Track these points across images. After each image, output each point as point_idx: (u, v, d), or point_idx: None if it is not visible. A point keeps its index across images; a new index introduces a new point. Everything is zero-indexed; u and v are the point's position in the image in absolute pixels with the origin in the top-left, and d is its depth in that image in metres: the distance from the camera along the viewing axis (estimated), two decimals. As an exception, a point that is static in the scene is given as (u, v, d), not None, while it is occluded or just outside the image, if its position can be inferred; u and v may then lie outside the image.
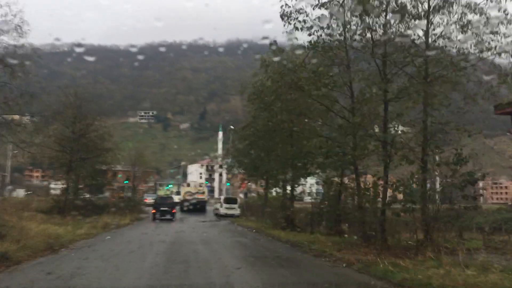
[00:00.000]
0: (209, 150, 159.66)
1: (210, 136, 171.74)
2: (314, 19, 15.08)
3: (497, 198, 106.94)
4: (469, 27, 13.66)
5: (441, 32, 14.19)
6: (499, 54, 13.19)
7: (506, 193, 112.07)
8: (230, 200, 41.60)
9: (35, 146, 28.16)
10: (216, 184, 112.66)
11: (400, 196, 14.52)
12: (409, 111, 14.34)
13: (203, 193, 51.75)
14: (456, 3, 13.90)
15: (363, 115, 14.95)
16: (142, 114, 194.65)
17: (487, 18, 13.33)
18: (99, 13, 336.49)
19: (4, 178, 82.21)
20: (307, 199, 66.98)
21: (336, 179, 26.19)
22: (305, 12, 15.18)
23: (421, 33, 14.32)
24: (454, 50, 14.29)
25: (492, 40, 13.23)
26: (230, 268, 10.69)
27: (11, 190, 73.12)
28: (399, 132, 14.81)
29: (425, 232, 13.70)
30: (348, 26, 15.10)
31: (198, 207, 46.40)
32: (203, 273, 9.93)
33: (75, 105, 30.11)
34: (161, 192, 71.62)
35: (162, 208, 35.02)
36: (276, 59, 17.16)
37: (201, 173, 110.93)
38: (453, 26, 14.01)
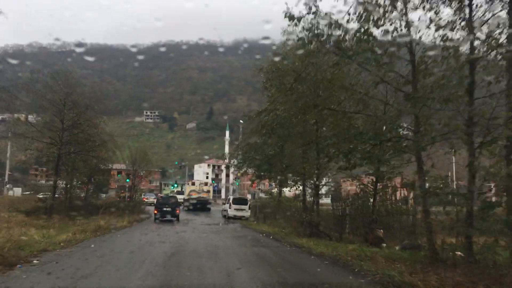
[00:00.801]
0: (216, 150, 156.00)
1: (217, 136, 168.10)
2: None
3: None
4: None
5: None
6: None
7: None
8: (239, 201, 37.17)
9: (18, 136, 24.10)
10: (222, 184, 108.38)
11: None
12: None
13: (208, 192, 49.14)
14: None
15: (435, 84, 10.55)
16: (148, 113, 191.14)
17: None
18: (99, 13, 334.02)
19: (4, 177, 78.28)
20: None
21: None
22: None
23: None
24: None
25: None
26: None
27: (8, 189, 69.34)
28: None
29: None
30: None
31: (202, 207, 44.38)
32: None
33: (63, 91, 25.88)
34: (166, 192, 67.65)
35: (164, 209, 31.98)
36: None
37: (207, 173, 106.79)
38: None
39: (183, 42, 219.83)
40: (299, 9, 14.22)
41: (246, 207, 36.72)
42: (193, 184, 51.32)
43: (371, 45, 11.51)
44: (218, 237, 20.41)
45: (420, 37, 11.31)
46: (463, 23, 10.31)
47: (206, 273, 10.11)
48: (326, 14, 11.93)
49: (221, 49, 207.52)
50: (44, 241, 16.74)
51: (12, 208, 28.71)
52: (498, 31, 9.66)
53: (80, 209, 29.82)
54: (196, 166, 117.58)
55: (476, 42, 10.19)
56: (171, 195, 43.51)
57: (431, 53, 10.74)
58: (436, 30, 10.58)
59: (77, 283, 8.64)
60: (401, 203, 22.80)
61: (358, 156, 12.65)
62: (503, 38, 9.61)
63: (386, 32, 11.53)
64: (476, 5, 10.31)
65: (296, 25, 12.03)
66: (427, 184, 11.76)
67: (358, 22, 11.17)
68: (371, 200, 20.80)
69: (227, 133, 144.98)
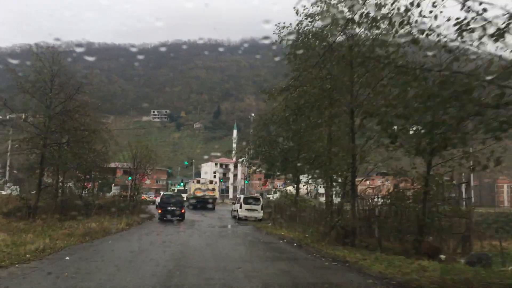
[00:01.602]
0: (223, 149, 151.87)
1: (224, 135, 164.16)
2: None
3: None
4: None
5: None
6: None
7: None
8: (251, 200, 32.96)
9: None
10: (230, 183, 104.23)
11: None
12: None
13: (213, 190, 46.38)
14: None
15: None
16: (155, 113, 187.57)
17: None
18: (99, 13, 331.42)
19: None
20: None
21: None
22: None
23: None
24: None
25: None
26: None
27: (8, 187, 65.71)
28: None
29: None
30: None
31: (207, 205, 42.28)
32: None
33: (50, 71, 21.86)
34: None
35: (168, 208, 29.28)
36: None
37: (215, 172, 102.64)
38: None
39: (190, 41, 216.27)
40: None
41: (259, 207, 32.55)
42: (198, 182, 47.87)
43: None
44: (230, 245, 16.29)
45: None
46: None
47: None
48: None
49: (221, 49, 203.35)
50: (7, 251, 12.79)
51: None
52: None
53: (73, 210, 25.92)
54: (203, 165, 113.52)
55: None
56: (176, 193, 40.21)
57: None
58: None
59: None
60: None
61: (440, 131, 8.43)
62: None
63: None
64: None
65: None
66: None
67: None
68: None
69: (235, 132, 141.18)
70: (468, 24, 7.36)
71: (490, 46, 8.14)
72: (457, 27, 7.56)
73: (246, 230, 24.52)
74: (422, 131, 8.44)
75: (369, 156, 15.84)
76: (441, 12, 7.94)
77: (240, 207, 32.34)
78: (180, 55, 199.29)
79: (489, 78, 7.61)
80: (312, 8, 16.50)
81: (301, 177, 31.40)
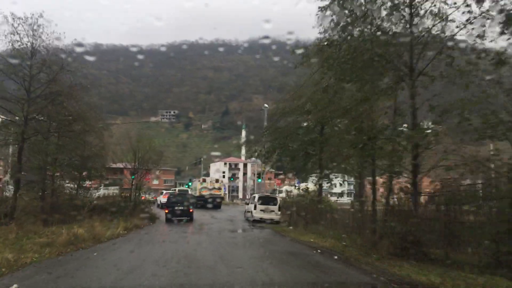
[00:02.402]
0: (231, 149, 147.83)
1: (233, 135, 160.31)
2: None
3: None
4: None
5: None
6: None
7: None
8: (267, 200, 28.68)
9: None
10: (240, 183, 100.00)
11: None
12: None
13: (220, 189, 44.47)
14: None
15: None
16: (164, 113, 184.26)
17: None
18: (100, 13, 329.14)
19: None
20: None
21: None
22: None
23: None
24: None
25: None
26: None
27: (9, 189, 62.09)
28: None
29: None
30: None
31: (214, 204, 40.56)
32: None
33: (30, 47, 17.77)
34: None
35: (176, 208, 27.07)
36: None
37: (224, 172, 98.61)
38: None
39: (197, 41, 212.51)
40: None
41: (276, 207, 28.31)
42: (204, 181, 45.69)
43: None
44: (251, 259, 12.03)
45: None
46: None
47: None
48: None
49: (229, 49, 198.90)
50: None
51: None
52: None
53: (65, 212, 21.93)
54: (212, 164, 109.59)
55: None
56: (184, 192, 37.29)
57: None
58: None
59: None
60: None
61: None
62: None
63: None
64: None
65: None
66: None
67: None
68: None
69: (243, 131, 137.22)
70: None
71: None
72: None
73: (265, 235, 20.27)
74: None
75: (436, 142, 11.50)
76: None
77: (255, 208, 28.12)
78: (187, 56, 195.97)
79: None
80: None
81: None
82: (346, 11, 11.12)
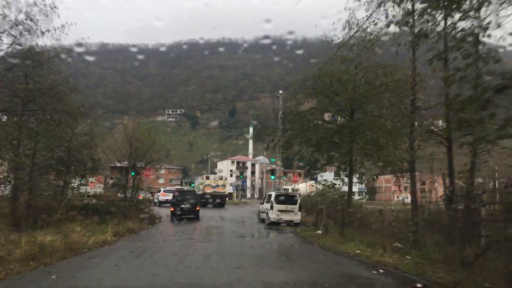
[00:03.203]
0: (239, 148, 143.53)
1: (239, 134, 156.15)
2: None
3: None
4: None
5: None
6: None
7: None
8: (286, 199, 24.09)
9: None
10: (248, 182, 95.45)
11: None
12: None
13: (224, 186, 42.10)
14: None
15: None
16: (170, 112, 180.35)
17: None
18: (99, 13, 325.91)
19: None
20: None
21: None
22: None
23: None
24: None
25: None
26: None
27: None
28: None
29: None
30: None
31: (218, 203, 38.64)
32: None
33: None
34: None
35: (182, 206, 25.73)
36: None
37: (231, 170, 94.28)
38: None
39: (204, 40, 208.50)
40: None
41: (296, 207, 23.78)
42: (208, 178, 43.07)
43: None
44: (284, 280, 7.54)
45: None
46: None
47: None
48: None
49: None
50: None
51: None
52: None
53: (40, 214, 17.62)
54: (219, 163, 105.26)
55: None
56: (189, 189, 35.77)
57: None
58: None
59: None
60: None
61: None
62: None
63: None
64: None
65: None
66: None
67: None
68: None
69: (251, 130, 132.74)
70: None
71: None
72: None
73: (292, 243, 15.75)
74: None
75: None
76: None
77: (271, 208, 23.60)
78: (194, 55, 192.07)
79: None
80: None
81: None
82: None
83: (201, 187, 41.12)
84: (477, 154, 9.73)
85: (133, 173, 29.16)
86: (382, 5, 13.40)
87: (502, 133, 6.13)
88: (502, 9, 6.85)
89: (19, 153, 15.94)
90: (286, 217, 23.46)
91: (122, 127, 25.80)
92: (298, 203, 23.98)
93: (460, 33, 7.28)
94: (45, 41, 16.13)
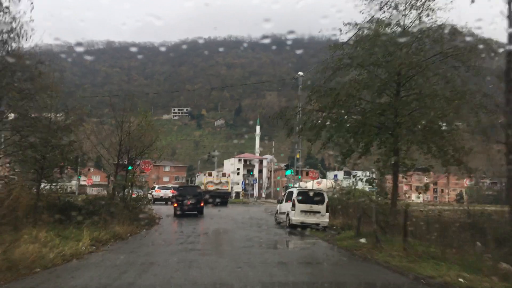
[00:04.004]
0: (245, 147, 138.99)
1: (246, 132, 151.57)
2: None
3: None
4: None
5: None
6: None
7: None
8: (311, 197, 19.43)
9: None
10: (255, 180, 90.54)
11: None
12: None
13: (227, 183, 39.71)
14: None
15: None
16: (176, 111, 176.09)
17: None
18: (99, 13, 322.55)
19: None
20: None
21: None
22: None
23: None
24: None
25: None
26: None
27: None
28: None
29: None
30: None
31: (221, 201, 36.24)
32: None
33: None
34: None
35: (186, 201, 24.77)
36: None
37: (238, 168, 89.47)
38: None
39: (210, 38, 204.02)
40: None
41: (322, 207, 19.18)
42: (210, 175, 40.79)
43: None
44: None
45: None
46: None
47: None
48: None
49: (242, 46, 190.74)
50: None
51: None
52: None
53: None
54: (225, 161, 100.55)
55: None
56: (193, 185, 33.73)
57: None
58: None
59: None
60: None
61: None
62: None
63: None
64: None
65: None
66: None
67: None
68: None
69: (258, 128, 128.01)
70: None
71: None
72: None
73: (337, 259, 11.19)
74: None
75: None
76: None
77: (293, 208, 19.01)
78: (200, 53, 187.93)
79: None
80: None
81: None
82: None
83: (203, 184, 38.53)
84: None
85: (130, 167, 24.62)
86: None
87: None
88: None
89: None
90: (311, 219, 18.93)
91: (110, 108, 21.22)
92: (325, 202, 19.37)
93: None
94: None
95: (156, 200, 35.98)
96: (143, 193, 20.87)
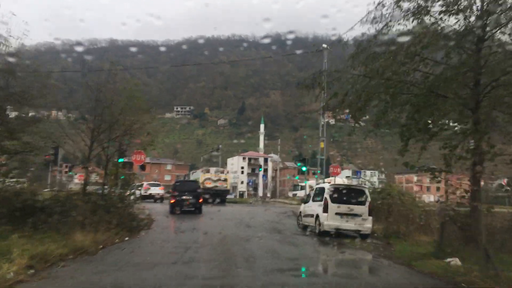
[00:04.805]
0: (249, 146, 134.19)
1: (249, 131, 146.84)
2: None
3: None
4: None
5: None
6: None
7: None
8: (348, 196, 14.62)
9: None
10: (260, 180, 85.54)
11: None
12: None
13: (225, 180, 36.95)
14: None
15: None
16: (179, 109, 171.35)
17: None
18: (99, 13, 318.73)
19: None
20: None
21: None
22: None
23: None
24: None
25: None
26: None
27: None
28: None
29: None
30: None
31: (219, 198, 33.93)
32: None
33: None
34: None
35: (184, 197, 22.43)
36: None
37: (242, 167, 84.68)
38: None
39: (214, 37, 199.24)
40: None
41: (365, 208, 14.27)
42: (208, 171, 38.39)
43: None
44: None
45: None
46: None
47: None
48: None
49: (246, 44, 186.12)
50: None
51: None
52: None
53: None
54: (229, 159, 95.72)
55: None
56: (191, 180, 30.07)
57: None
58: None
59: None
60: None
61: None
62: None
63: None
64: None
65: None
66: None
67: None
68: None
69: (262, 126, 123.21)
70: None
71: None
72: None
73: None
74: None
75: None
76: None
77: (325, 210, 14.09)
78: (203, 51, 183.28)
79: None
80: None
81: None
82: None
83: (201, 181, 35.50)
84: None
85: (121, 160, 19.76)
86: None
87: None
88: None
89: None
90: (349, 224, 14.08)
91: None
92: (368, 202, 14.46)
93: None
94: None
95: (144, 197, 31.42)
96: (129, 190, 15.85)
